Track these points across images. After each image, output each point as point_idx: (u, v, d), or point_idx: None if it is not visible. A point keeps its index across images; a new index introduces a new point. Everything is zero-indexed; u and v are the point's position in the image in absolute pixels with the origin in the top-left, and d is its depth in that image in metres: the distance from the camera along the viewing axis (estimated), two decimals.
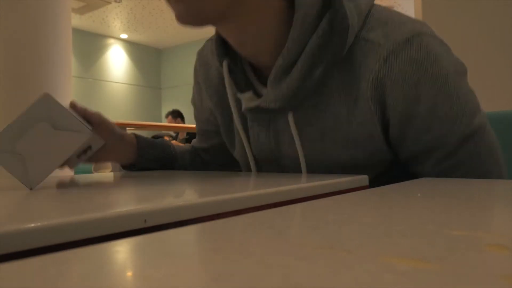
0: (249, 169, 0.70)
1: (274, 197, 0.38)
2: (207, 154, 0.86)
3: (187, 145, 0.90)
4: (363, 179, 0.53)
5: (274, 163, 0.66)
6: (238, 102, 0.64)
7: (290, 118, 0.58)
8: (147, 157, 0.74)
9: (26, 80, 2.66)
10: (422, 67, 0.51)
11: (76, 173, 3.34)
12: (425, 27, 0.55)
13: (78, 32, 5.67)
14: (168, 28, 5.91)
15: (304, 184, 0.44)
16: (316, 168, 0.60)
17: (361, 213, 0.28)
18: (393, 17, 0.55)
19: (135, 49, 6.54)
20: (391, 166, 0.61)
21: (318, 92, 0.57)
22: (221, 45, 0.63)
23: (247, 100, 0.62)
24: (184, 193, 0.45)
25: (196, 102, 0.83)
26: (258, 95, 0.63)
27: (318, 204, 0.30)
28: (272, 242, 0.19)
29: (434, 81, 0.52)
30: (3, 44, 2.67)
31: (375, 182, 0.54)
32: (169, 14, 5.29)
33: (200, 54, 0.79)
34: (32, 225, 0.24)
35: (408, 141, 0.56)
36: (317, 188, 0.45)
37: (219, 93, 0.71)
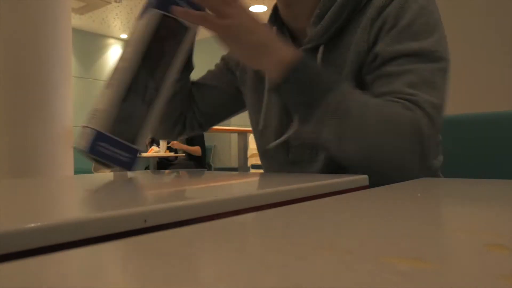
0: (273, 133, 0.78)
1: (274, 197, 0.38)
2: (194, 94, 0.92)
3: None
4: (363, 179, 0.53)
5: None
6: None
7: (320, 51, 0.70)
8: None
9: (26, 80, 2.66)
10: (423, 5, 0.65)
11: (76, 173, 3.35)
12: None
13: (78, 32, 5.67)
14: None
15: (304, 184, 0.44)
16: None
17: (361, 213, 0.28)
18: None
19: None
20: None
21: (342, 34, 0.70)
22: (273, 16, 0.81)
23: None
24: (184, 193, 0.45)
25: (225, 56, 0.94)
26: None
27: (318, 204, 0.30)
28: (272, 242, 0.19)
29: (419, 6, 0.65)
30: (3, 44, 2.67)
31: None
32: None
33: None
34: (32, 225, 0.24)
35: (378, 47, 0.66)
36: (317, 188, 0.44)
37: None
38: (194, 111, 0.91)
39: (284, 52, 0.61)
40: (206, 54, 6.30)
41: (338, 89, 0.59)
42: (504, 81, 1.88)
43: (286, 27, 0.81)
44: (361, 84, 0.67)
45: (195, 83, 0.92)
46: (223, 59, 0.94)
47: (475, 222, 0.23)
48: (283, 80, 0.60)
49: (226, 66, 0.93)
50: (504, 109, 0.92)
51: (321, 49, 0.71)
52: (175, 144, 4.65)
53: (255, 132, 0.84)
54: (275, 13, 0.82)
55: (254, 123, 0.84)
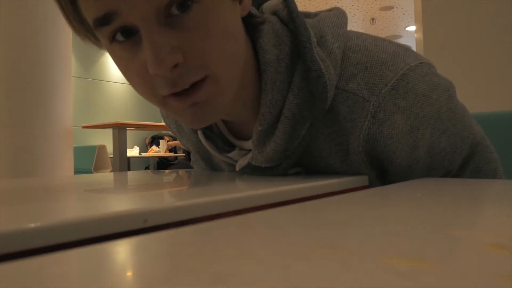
0: None
1: (274, 197, 0.38)
2: None
3: None
4: (363, 179, 0.53)
5: None
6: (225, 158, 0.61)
7: (291, 172, 0.56)
8: None
9: (26, 80, 2.65)
10: (413, 114, 0.49)
11: (76, 173, 3.34)
12: (406, 56, 0.51)
13: None
14: None
15: (304, 184, 0.44)
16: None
17: (361, 213, 0.28)
18: (371, 56, 0.50)
19: None
20: None
21: (308, 150, 0.54)
22: None
23: (236, 156, 0.59)
24: (184, 193, 0.45)
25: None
26: (244, 149, 0.59)
27: (318, 204, 0.30)
28: (272, 242, 0.19)
29: (427, 122, 0.50)
30: (3, 44, 2.67)
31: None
32: None
33: None
34: (32, 225, 0.24)
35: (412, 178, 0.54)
36: (317, 188, 0.44)
37: (198, 148, 0.68)
38: None
39: None
40: None
41: None
42: (504, 81, 1.88)
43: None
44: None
45: None
46: None
47: (475, 222, 0.23)
48: None
49: None
50: (504, 109, 0.92)
51: (290, 171, 0.56)
52: (176, 143, 4.65)
53: None
54: None
55: None
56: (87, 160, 3.71)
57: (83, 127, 3.37)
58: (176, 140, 4.87)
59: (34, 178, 0.62)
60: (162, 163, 5.10)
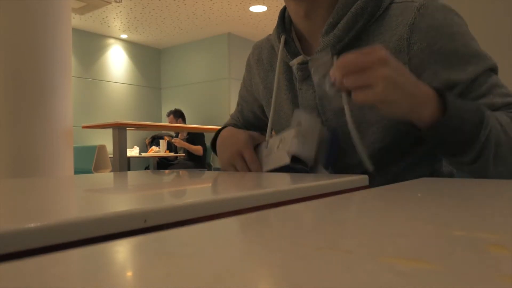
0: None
1: (274, 197, 0.38)
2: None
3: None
4: (363, 179, 0.53)
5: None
6: (287, 68, 0.81)
7: (334, 61, 0.68)
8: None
9: (26, 80, 2.65)
10: (449, 14, 0.68)
11: (76, 173, 3.34)
12: None
13: (78, 32, 5.66)
14: (168, 28, 5.90)
15: (304, 184, 0.44)
16: (357, 119, 0.68)
17: (361, 213, 0.28)
18: None
19: (135, 49, 6.54)
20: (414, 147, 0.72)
21: (357, 44, 0.71)
22: (281, 25, 0.83)
23: (299, 59, 0.77)
24: (184, 193, 0.45)
25: (246, 82, 0.98)
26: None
27: (318, 204, 0.30)
28: (272, 242, 0.19)
29: (454, 27, 0.67)
30: (3, 44, 2.67)
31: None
32: (169, 14, 5.29)
33: (256, 44, 0.97)
34: (32, 225, 0.24)
35: (427, 74, 0.66)
36: (317, 188, 0.44)
37: (267, 70, 0.89)
38: None
39: (430, 92, 0.58)
40: (206, 54, 6.31)
41: (484, 120, 0.58)
42: (504, 81, 1.88)
43: (295, 35, 0.83)
44: None
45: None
46: (248, 89, 0.98)
47: (475, 222, 0.23)
48: (439, 124, 0.57)
49: (252, 92, 0.97)
50: None
51: (334, 59, 0.70)
52: (177, 141, 4.64)
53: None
54: (282, 21, 0.84)
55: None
56: (87, 160, 3.71)
57: (83, 127, 3.37)
58: (177, 137, 4.85)
59: (34, 178, 0.62)
60: (162, 163, 5.10)
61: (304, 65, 0.77)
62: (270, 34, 0.91)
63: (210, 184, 0.51)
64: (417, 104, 0.57)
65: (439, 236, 0.19)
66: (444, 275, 0.14)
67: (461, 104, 0.59)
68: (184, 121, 4.96)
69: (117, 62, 6.28)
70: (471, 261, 0.15)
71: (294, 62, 0.78)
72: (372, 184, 0.54)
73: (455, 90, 0.66)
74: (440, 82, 0.66)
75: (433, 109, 0.57)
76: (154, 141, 5.39)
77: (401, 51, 0.68)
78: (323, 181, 0.46)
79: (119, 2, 5.08)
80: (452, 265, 0.15)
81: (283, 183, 0.46)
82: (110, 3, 4.88)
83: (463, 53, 0.66)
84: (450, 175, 0.81)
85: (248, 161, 0.75)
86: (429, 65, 0.67)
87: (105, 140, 5.05)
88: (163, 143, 5.04)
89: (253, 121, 1.01)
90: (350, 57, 0.54)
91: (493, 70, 0.70)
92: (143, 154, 5.27)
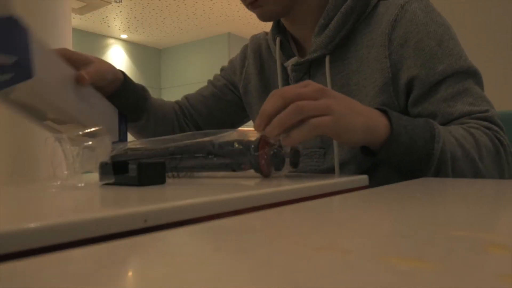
0: None
1: (274, 197, 0.38)
2: (191, 111, 0.98)
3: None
4: (363, 179, 0.53)
5: None
6: (282, 69, 0.82)
7: (327, 60, 0.74)
8: (131, 87, 0.86)
9: None
10: (429, 13, 0.69)
11: None
12: None
13: (78, 32, 5.67)
14: (168, 28, 5.90)
15: (304, 184, 0.44)
16: None
17: (361, 213, 0.28)
18: None
19: (135, 49, 6.54)
20: None
21: (347, 43, 0.74)
22: (276, 27, 0.85)
23: (293, 61, 0.79)
24: (184, 193, 0.45)
25: (227, 69, 0.98)
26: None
27: (318, 204, 0.30)
28: (272, 242, 0.19)
29: (441, 26, 0.68)
30: None
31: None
32: (169, 14, 5.29)
33: (254, 36, 0.98)
34: (32, 225, 0.24)
35: (403, 70, 0.68)
36: (317, 188, 0.44)
37: (263, 62, 0.91)
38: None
39: (379, 117, 0.56)
40: (206, 54, 6.30)
41: (435, 134, 0.57)
42: (504, 81, 1.88)
43: (290, 36, 0.85)
44: (388, 98, 0.69)
45: (195, 109, 0.98)
46: (225, 77, 0.98)
47: (475, 222, 0.23)
48: (389, 141, 0.55)
49: (229, 83, 0.97)
50: (504, 109, 0.92)
51: (327, 59, 0.74)
52: None
53: None
54: (277, 23, 0.85)
55: None
56: None
57: None
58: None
59: (34, 179, 0.62)
60: None
61: (298, 66, 0.79)
62: (266, 33, 0.93)
63: (210, 184, 0.51)
64: (370, 124, 0.54)
65: (439, 236, 0.19)
66: (444, 275, 0.14)
67: (408, 120, 0.58)
68: None
69: (117, 62, 6.28)
70: (471, 261, 0.15)
71: (289, 63, 0.80)
72: (374, 180, 0.54)
73: (421, 89, 0.66)
74: (407, 78, 0.67)
75: (386, 129, 0.55)
76: None
77: (382, 45, 0.69)
78: (323, 181, 0.46)
79: (119, 2, 5.08)
80: (451, 265, 0.15)
81: (283, 183, 0.47)
82: (110, 3, 4.88)
83: (436, 52, 0.66)
84: None
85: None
86: (405, 60, 0.68)
87: None
88: None
89: (199, 103, 0.98)
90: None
91: (471, 74, 0.67)
92: None
